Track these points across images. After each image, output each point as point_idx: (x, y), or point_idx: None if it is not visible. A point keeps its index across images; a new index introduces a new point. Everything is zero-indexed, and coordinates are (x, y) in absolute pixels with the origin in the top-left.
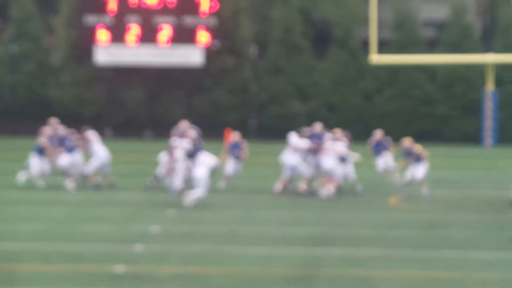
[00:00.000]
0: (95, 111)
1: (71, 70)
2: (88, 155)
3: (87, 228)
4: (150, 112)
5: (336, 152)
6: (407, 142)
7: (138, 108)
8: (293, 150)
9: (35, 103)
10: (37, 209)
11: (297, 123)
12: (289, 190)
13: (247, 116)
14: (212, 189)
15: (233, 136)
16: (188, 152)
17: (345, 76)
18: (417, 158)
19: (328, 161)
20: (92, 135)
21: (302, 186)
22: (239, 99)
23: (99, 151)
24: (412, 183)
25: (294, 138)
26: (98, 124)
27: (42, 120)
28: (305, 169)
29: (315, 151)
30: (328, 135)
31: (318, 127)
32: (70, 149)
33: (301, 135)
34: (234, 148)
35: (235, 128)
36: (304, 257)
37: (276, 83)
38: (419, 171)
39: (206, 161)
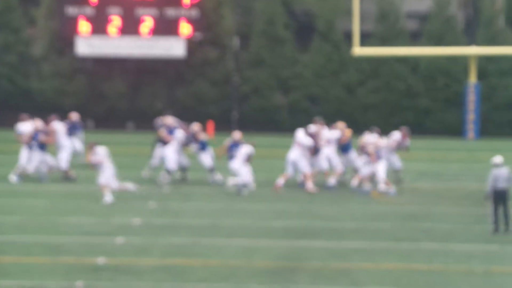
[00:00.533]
0: (77, 103)
1: (52, 61)
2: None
3: (68, 220)
4: (132, 104)
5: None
6: (364, 139)
7: (119, 100)
8: (297, 146)
9: (16, 94)
10: (17, 201)
11: (279, 115)
12: (291, 184)
13: (229, 108)
14: (193, 182)
15: (235, 135)
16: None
17: (328, 68)
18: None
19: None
20: (58, 125)
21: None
22: (221, 91)
23: (65, 142)
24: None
25: (300, 134)
26: (79, 116)
27: (23, 112)
28: (306, 165)
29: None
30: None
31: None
32: (31, 147)
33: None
34: (233, 148)
35: (217, 120)
36: (286, 249)
37: (258, 75)
38: (365, 168)
39: (242, 152)
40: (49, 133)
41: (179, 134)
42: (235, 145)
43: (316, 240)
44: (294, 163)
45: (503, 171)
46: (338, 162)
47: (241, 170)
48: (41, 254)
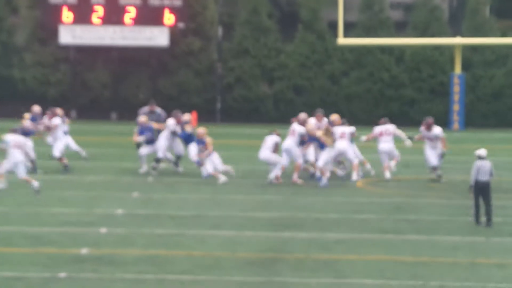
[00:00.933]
0: (60, 93)
1: (35, 50)
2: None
3: (51, 211)
4: (115, 94)
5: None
6: (310, 126)
7: (103, 89)
8: (291, 135)
9: None
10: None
11: (263, 106)
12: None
13: (213, 98)
14: (178, 173)
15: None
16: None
17: (312, 58)
18: (321, 145)
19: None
20: (58, 120)
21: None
22: (205, 81)
23: (61, 133)
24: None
25: (295, 124)
26: (62, 105)
27: (6, 101)
28: (299, 155)
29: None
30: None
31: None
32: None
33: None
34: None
35: (201, 110)
36: (270, 241)
37: (242, 65)
38: (322, 155)
39: (268, 142)
40: (49, 126)
41: (171, 122)
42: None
43: (300, 231)
44: (288, 152)
45: (486, 164)
46: (353, 156)
47: (270, 159)
48: (23, 245)
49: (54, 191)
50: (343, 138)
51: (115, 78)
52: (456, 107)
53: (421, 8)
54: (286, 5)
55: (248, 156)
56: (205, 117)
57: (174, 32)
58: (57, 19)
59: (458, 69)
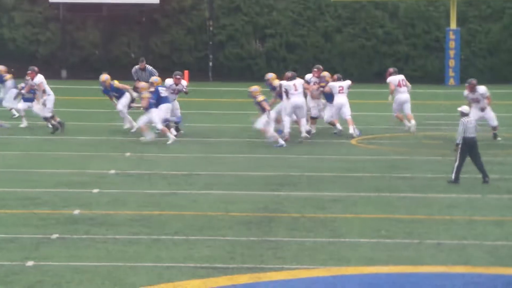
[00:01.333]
0: (50, 52)
1: (24, 10)
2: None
3: (43, 172)
4: (106, 53)
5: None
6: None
7: (93, 48)
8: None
9: None
10: None
11: (255, 64)
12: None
13: (205, 56)
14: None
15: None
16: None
17: (305, 15)
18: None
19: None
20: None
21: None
22: (197, 39)
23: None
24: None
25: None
26: (52, 65)
27: None
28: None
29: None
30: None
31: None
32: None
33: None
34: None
35: (193, 68)
36: (263, 200)
37: (234, 22)
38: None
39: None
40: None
41: (169, 82)
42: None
43: (294, 190)
44: (298, 107)
45: (471, 120)
46: (349, 111)
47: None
48: (15, 206)
49: (45, 151)
50: (342, 93)
51: (105, 37)
52: (451, 62)
53: None
54: None
55: (239, 114)
56: (197, 76)
57: None
58: None
59: (453, 24)
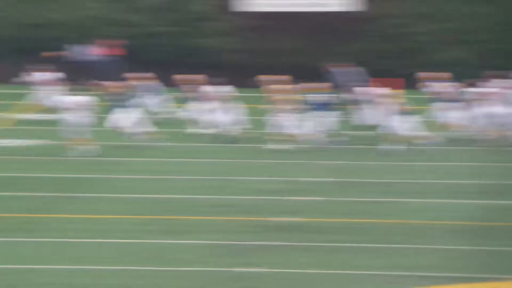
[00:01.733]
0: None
1: (221, 20)
2: None
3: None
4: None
5: None
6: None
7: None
8: None
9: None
10: None
11: None
12: None
13: None
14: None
15: None
16: None
17: None
18: None
19: None
20: None
21: None
22: None
23: None
24: None
25: None
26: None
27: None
28: None
29: None
30: None
31: None
32: None
33: None
34: None
35: None
36: (477, 209)
37: None
38: None
39: None
40: None
41: None
42: None
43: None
44: None
45: None
46: None
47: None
48: (210, 213)
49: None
50: None
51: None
52: None
53: None
54: None
55: None
56: None
57: None
58: None
59: None
